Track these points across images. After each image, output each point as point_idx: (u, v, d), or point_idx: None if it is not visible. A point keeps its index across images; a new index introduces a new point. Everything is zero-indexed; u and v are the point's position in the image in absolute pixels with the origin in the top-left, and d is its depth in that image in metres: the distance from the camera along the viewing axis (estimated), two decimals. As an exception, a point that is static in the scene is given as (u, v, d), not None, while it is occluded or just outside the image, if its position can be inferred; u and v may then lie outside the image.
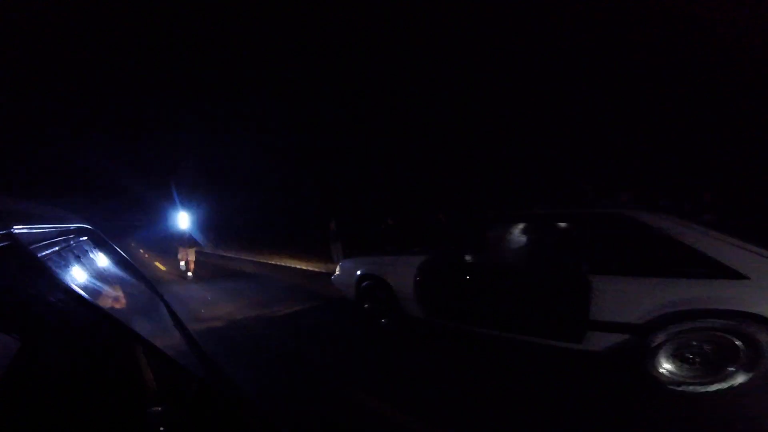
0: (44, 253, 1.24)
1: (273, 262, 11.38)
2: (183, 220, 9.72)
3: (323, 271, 9.04)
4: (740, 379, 2.59)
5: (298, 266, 10.42)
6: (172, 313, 1.76)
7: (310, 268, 9.77)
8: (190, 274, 8.83)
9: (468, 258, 3.76)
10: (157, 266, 11.06)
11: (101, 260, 1.93)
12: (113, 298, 1.49)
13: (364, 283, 4.54)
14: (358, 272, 4.60)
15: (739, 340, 2.54)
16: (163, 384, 0.94)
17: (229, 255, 14.89)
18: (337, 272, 5.10)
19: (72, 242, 1.66)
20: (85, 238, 1.92)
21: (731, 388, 2.61)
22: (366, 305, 4.55)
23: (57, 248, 1.39)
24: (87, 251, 1.82)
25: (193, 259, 9.01)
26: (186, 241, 9.08)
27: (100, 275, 1.67)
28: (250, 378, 3.22)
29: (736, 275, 2.57)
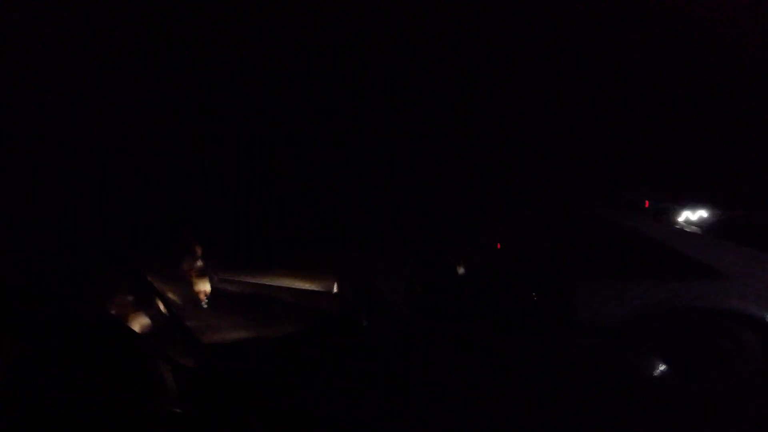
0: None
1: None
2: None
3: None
4: (728, 377, 2.61)
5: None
6: (185, 329, 1.82)
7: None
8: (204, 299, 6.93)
9: (454, 263, 3.85)
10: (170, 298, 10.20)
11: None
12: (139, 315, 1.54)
13: (359, 293, 4.73)
14: (355, 284, 4.83)
15: (722, 338, 2.57)
16: (182, 388, 0.98)
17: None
18: (334, 288, 5.33)
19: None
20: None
21: (722, 387, 2.62)
22: (364, 313, 4.70)
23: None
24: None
25: (207, 290, 6.98)
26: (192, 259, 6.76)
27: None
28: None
29: (713, 273, 2.60)
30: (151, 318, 1.76)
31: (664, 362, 2.76)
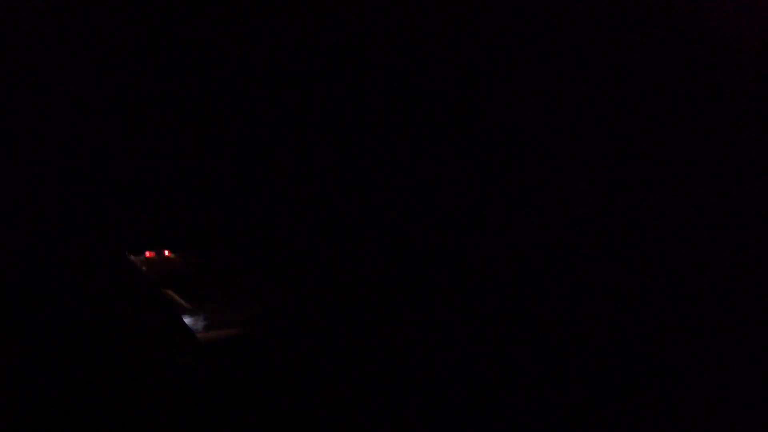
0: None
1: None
2: None
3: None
4: None
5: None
6: (178, 318, 1.82)
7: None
8: None
9: None
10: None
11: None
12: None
13: None
14: None
15: None
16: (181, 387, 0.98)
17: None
18: None
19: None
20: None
21: None
22: None
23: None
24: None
25: None
26: None
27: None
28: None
29: None
30: (146, 313, 1.76)
31: None
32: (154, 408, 0.90)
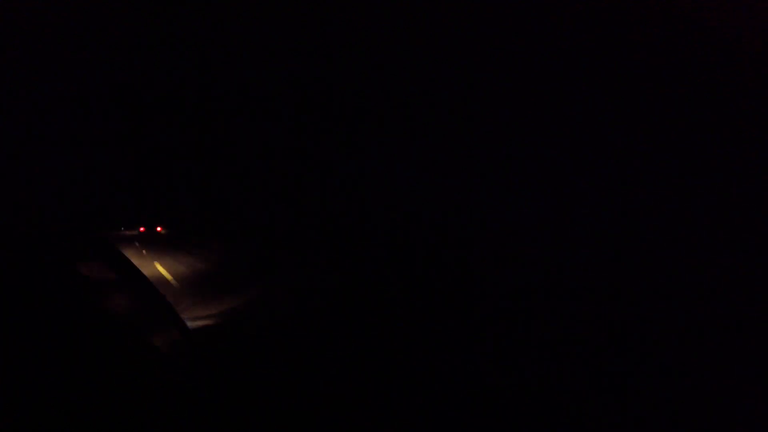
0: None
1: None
2: None
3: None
4: None
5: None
6: (172, 311, 1.81)
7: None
8: None
9: None
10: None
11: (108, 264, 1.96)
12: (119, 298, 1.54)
13: None
14: None
15: None
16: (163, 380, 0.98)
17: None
18: None
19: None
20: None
21: None
22: None
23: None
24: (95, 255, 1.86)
25: None
26: None
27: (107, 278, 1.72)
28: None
29: None
30: (136, 303, 1.75)
31: None
32: (150, 404, 0.90)
